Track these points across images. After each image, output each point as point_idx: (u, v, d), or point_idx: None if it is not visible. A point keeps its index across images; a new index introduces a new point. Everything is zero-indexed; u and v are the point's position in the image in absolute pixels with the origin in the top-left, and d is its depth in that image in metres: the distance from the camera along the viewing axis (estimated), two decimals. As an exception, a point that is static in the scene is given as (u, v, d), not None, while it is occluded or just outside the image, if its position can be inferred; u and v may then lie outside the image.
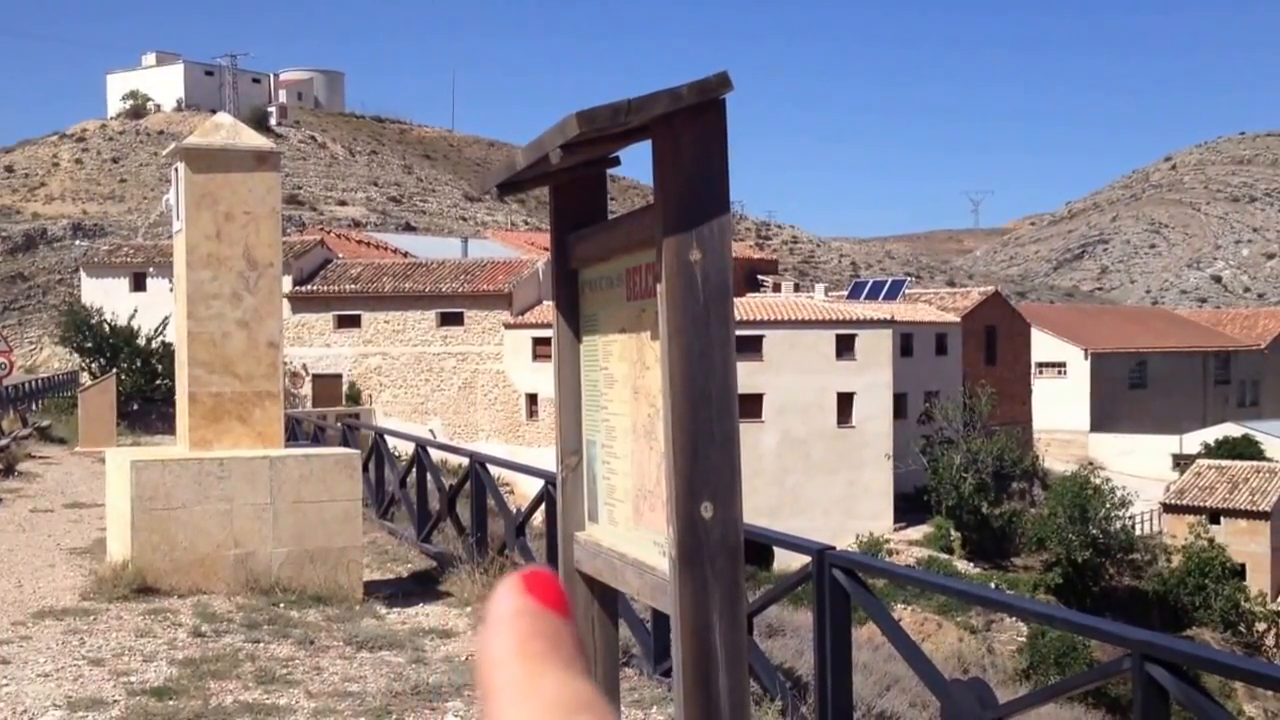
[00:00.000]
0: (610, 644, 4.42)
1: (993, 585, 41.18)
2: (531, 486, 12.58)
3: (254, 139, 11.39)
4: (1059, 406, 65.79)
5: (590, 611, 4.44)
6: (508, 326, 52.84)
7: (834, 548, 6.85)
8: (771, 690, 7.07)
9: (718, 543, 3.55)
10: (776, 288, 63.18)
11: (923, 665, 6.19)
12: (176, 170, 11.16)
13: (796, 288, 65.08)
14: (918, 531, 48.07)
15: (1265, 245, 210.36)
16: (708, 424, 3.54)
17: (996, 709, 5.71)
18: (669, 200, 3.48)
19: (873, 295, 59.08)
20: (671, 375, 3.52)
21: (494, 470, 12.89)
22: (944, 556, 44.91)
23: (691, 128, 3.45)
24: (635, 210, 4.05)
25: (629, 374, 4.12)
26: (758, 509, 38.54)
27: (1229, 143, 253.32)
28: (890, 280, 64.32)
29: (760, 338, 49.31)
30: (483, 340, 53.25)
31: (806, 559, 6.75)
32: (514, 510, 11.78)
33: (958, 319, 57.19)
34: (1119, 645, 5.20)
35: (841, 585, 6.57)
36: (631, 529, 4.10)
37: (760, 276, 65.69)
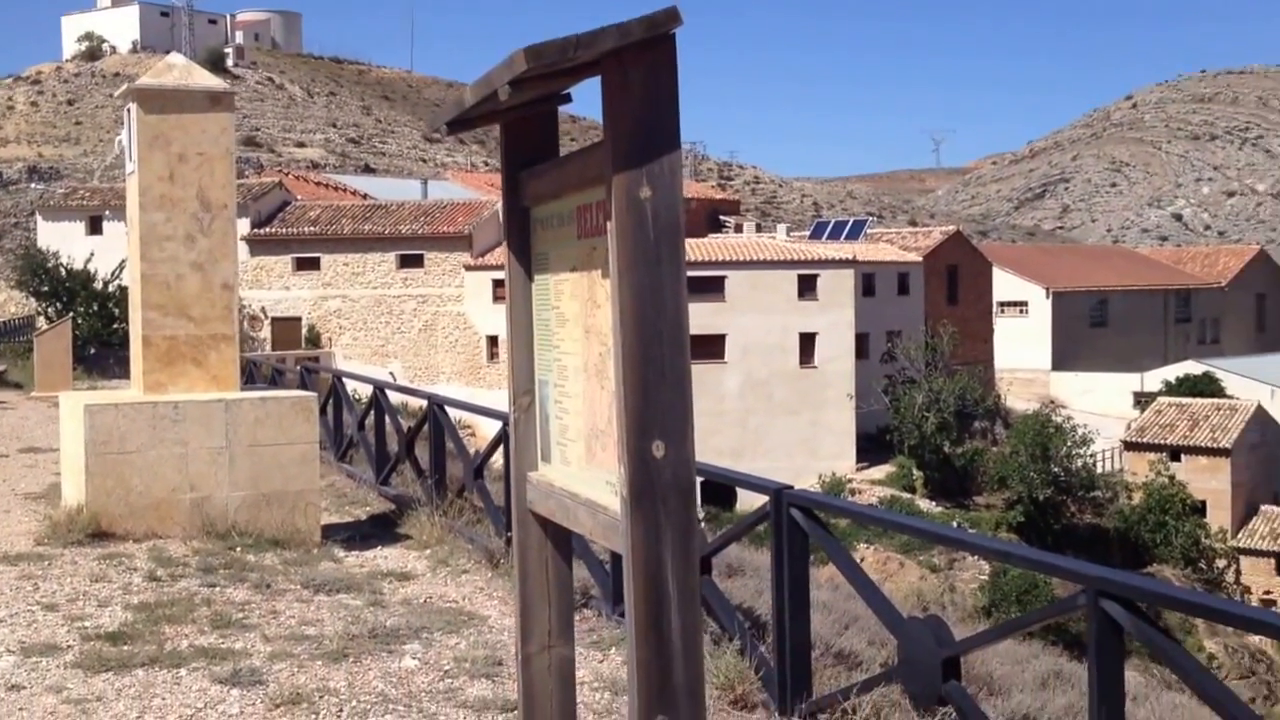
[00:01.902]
0: (564, 585, 4.38)
1: (954, 524, 41.59)
2: (492, 428, 12.52)
3: (207, 79, 11.19)
4: (1020, 345, 66.24)
5: (544, 553, 4.39)
6: (468, 268, 52.60)
7: (792, 487, 6.81)
8: (730, 630, 7.06)
9: (669, 482, 3.51)
10: (738, 228, 63.14)
11: (880, 604, 6.18)
12: (129, 112, 10.97)
13: (759, 228, 65.06)
14: (880, 471, 48.41)
15: (1225, 183, 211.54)
16: (659, 362, 3.48)
17: (953, 646, 5.71)
18: (618, 137, 3.40)
19: (835, 235, 59.12)
20: (622, 313, 3.45)
21: (454, 413, 12.80)
22: (906, 495, 45.29)
23: (641, 63, 3.36)
24: (586, 147, 3.96)
25: (580, 313, 4.06)
26: (720, 450, 38.68)
27: (1190, 81, 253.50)
28: (852, 220, 64.36)
29: (722, 278, 49.28)
30: (443, 282, 53.00)
31: (766, 499, 6.71)
32: (473, 452, 11.71)
33: (920, 259, 57.33)
34: (1075, 581, 5.18)
35: (799, 525, 6.55)
36: (584, 469, 4.05)
37: (722, 217, 65.62)
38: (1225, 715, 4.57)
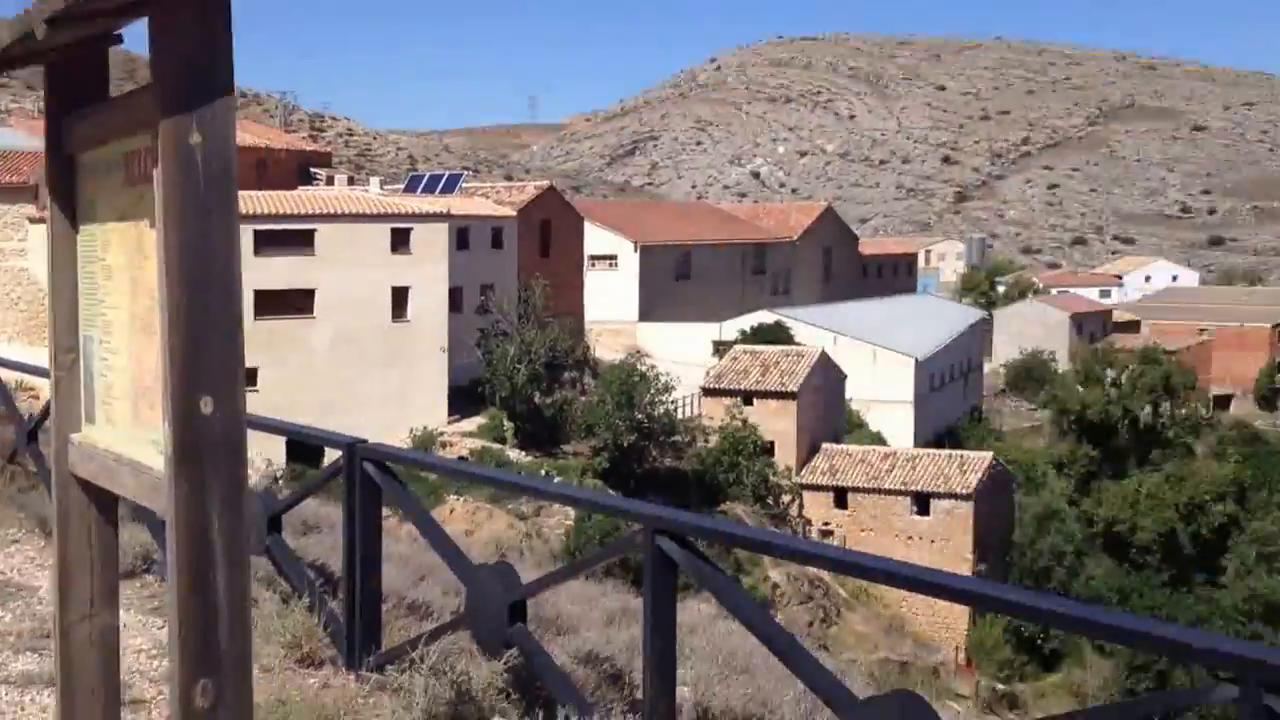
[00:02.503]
0: (108, 551, 4.20)
1: (543, 472, 42.53)
2: (52, 388, 11.74)
3: None
4: (610, 298, 68.24)
5: (87, 518, 4.20)
6: (33, 221, 48.96)
7: (365, 441, 6.79)
8: (299, 588, 6.98)
9: (218, 438, 3.42)
10: (330, 181, 61.76)
11: (450, 553, 6.27)
12: None
13: (351, 181, 63.84)
14: (472, 423, 48.79)
15: (799, 144, 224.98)
16: (208, 315, 3.39)
17: (518, 590, 5.87)
18: (166, 80, 3.27)
19: (429, 189, 58.80)
20: (169, 263, 3.33)
21: (10, 374, 11.96)
22: (497, 446, 45.87)
23: (191, 3, 3.24)
24: (133, 90, 3.78)
25: (127, 264, 3.89)
26: (308, 406, 37.85)
27: (768, 46, 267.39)
28: (447, 174, 64.21)
29: (312, 232, 48.15)
30: (4, 236, 49.17)
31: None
32: (27, 415, 10.99)
33: (514, 213, 57.91)
34: (634, 521, 5.41)
35: (372, 478, 6.54)
36: (130, 428, 3.90)
37: (313, 169, 63.96)
38: (762, 637, 4.96)
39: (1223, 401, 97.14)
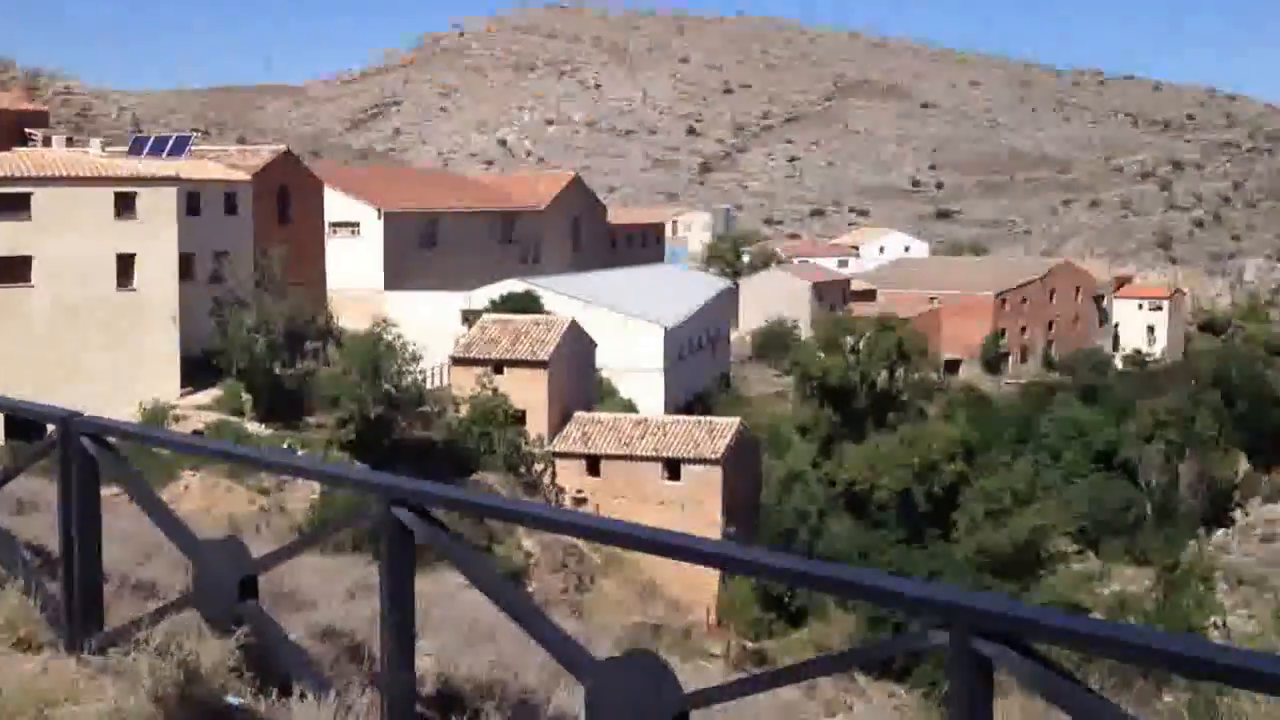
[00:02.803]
0: None
1: (285, 445, 41.43)
2: None
3: None
4: (353, 266, 66.85)
5: None
6: None
7: (81, 414, 6.36)
8: (13, 569, 6.51)
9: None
10: (47, 142, 58.40)
11: (174, 529, 5.95)
12: None
13: (70, 142, 60.53)
14: (208, 395, 47.14)
15: (546, 112, 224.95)
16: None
17: (249, 565, 5.63)
18: None
19: (156, 151, 56.29)
20: None
21: None
22: (235, 419, 44.43)
23: None
24: None
25: None
26: (22, 380, 35.77)
27: (514, 13, 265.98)
28: (175, 136, 61.64)
29: (28, 195, 45.58)
30: None
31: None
32: None
33: (249, 178, 56.06)
34: (369, 492, 5.26)
35: (89, 452, 6.14)
36: None
37: (29, 130, 60.32)
38: (501, 604, 4.86)
39: (952, 366, 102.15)
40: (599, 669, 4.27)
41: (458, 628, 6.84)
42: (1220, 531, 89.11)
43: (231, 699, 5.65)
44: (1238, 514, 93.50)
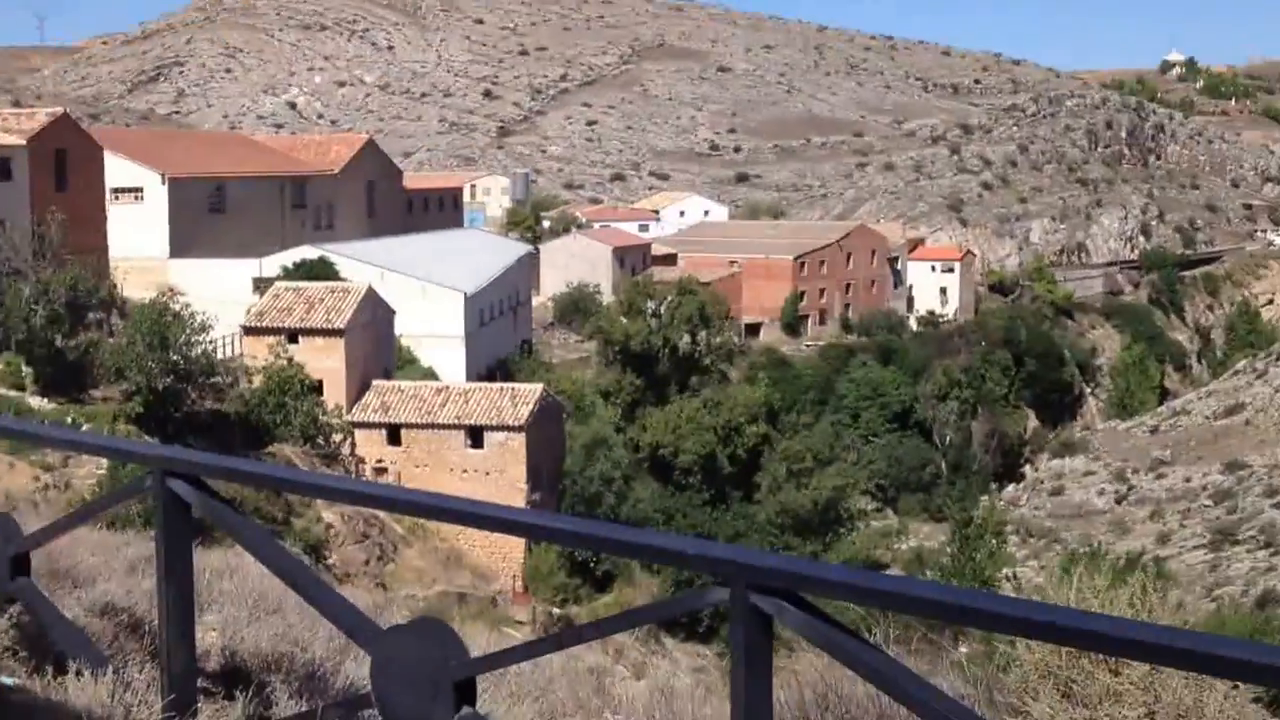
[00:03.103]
0: None
1: (69, 419, 39.83)
2: None
3: None
4: (137, 233, 64.39)
5: None
6: None
7: None
8: None
9: None
10: None
11: (-70, 507, 5.64)
12: None
13: None
14: (-15, 369, 44.98)
15: (336, 74, 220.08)
16: None
17: (20, 541, 5.43)
18: None
19: (-81, 113, 53.27)
20: None
21: None
22: (15, 393, 42.54)
23: None
24: None
25: None
26: None
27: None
28: (-58, 98, 58.32)
29: None
30: None
31: None
32: None
33: (23, 142, 53.56)
34: (143, 464, 5.11)
35: None
36: None
37: None
38: (282, 575, 4.73)
39: (753, 329, 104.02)
40: (384, 638, 4.20)
41: (243, 600, 6.66)
42: (1011, 486, 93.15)
43: (4, 680, 5.45)
44: (1027, 469, 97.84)
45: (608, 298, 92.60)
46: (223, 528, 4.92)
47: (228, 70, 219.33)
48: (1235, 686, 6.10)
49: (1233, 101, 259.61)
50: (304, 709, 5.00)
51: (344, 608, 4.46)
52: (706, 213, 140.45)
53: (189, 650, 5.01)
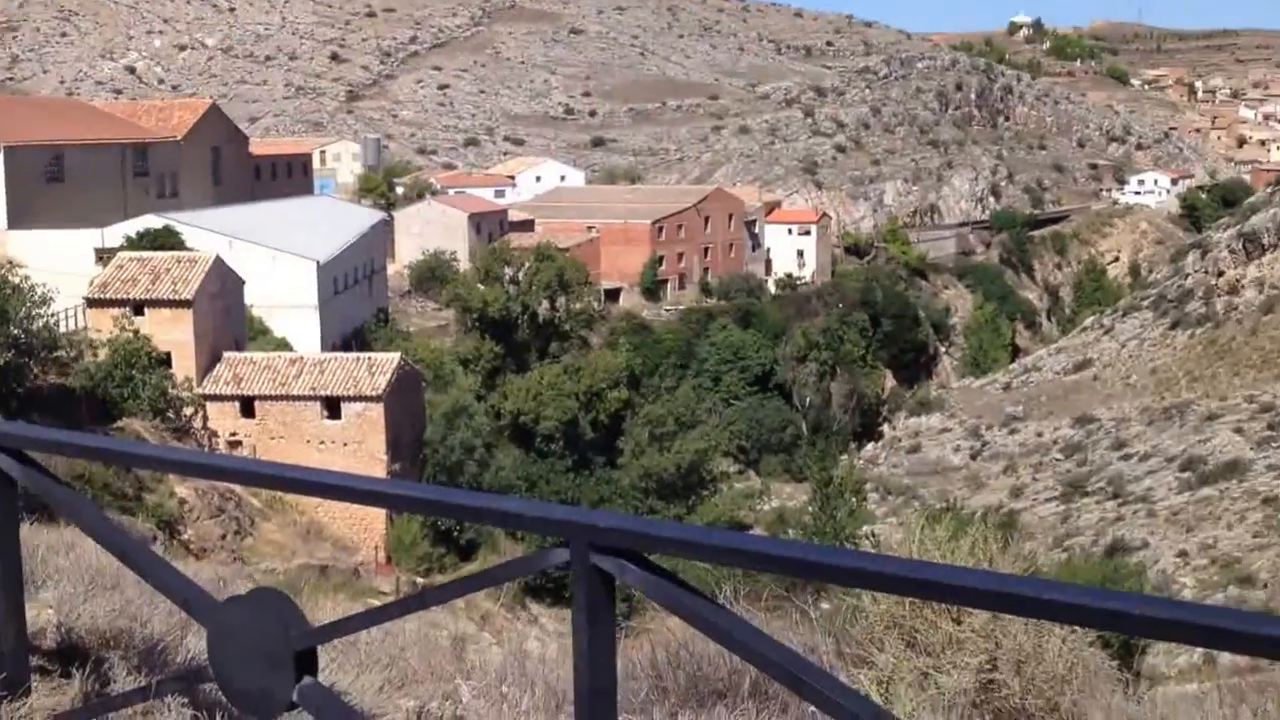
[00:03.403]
0: None
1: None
2: None
3: None
4: (-27, 205, 61.98)
5: None
6: None
7: None
8: None
9: None
10: None
11: None
12: None
13: None
14: None
15: (177, 37, 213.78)
16: None
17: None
18: None
19: None
20: None
21: None
22: None
23: None
24: None
25: None
26: None
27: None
28: None
29: None
30: None
31: None
32: None
33: None
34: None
35: None
36: None
37: None
38: (110, 548, 4.59)
39: (613, 295, 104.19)
40: (220, 609, 4.09)
41: (79, 576, 6.44)
42: (870, 445, 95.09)
43: None
44: (885, 428, 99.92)
45: (465, 265, 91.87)
46: (51, 502, 4.74)
47: (63, 34, 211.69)
48: (1072, 631, 6.29)
49: (1078, 63, 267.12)
50: (143, 684, 4.86)
51: (178, 580, 4.33)
52: (563, 178, 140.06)
53: (20, 627, 4.86)
